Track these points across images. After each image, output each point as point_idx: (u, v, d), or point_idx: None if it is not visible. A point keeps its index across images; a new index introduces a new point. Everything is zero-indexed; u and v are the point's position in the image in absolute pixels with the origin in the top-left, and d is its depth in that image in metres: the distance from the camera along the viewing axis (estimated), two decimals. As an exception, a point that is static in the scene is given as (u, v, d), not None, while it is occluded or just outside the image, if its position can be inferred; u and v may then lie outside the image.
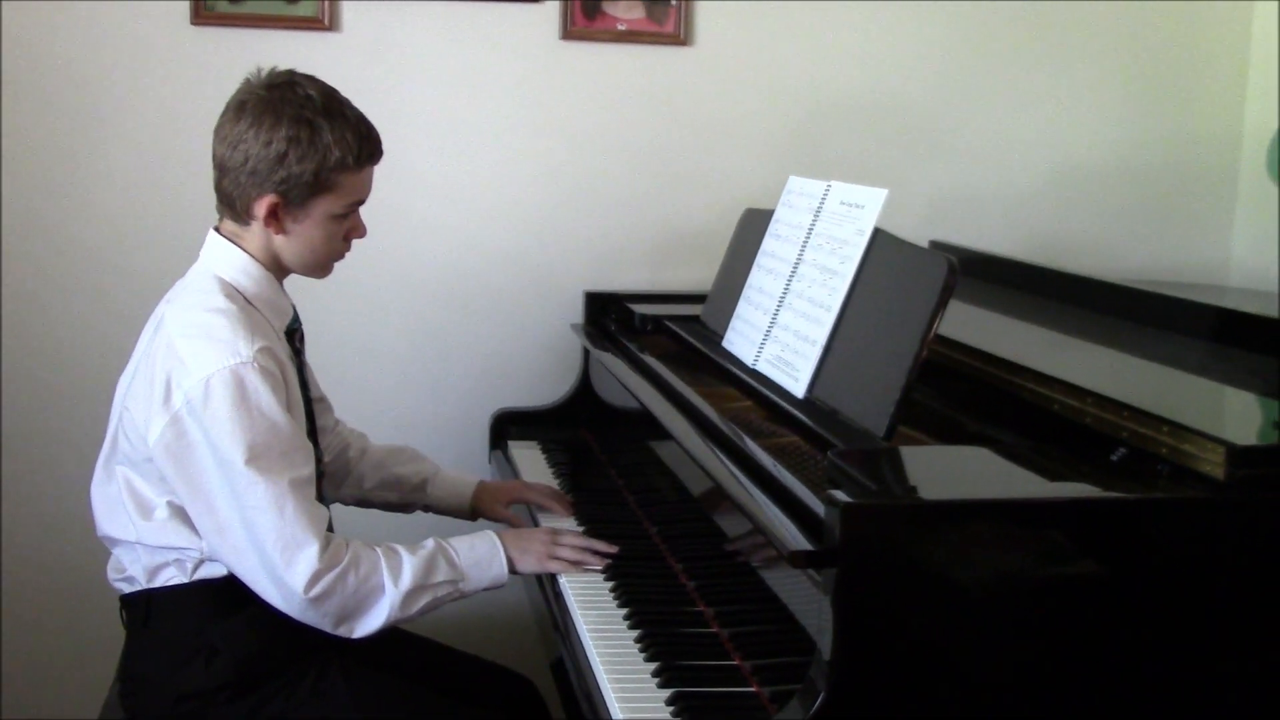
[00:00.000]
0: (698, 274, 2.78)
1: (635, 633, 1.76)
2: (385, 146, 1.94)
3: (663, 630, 1.76)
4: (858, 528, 1.32)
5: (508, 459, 2.64)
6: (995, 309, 2.46)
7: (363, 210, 1.95)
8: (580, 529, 2.15)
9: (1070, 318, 2.39)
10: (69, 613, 2.78)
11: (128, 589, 1.92)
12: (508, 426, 2.77)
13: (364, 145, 1.86)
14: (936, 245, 2.88)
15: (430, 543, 1.90)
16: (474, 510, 2.29)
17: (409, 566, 1.84)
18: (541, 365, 2.94)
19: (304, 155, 1.81)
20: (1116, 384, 1.72)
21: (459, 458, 2.86)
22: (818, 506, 1.44)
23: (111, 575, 1.95)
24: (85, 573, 2.18)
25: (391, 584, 1.82)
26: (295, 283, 1.99)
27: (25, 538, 2.78)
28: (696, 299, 2.56)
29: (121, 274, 2.72)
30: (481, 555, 1.93)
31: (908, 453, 1.60)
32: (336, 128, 1.82)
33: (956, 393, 1.94)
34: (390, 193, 2.76)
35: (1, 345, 2.71)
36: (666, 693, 1.58)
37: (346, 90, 1.92)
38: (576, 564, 1.98)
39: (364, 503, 2.29)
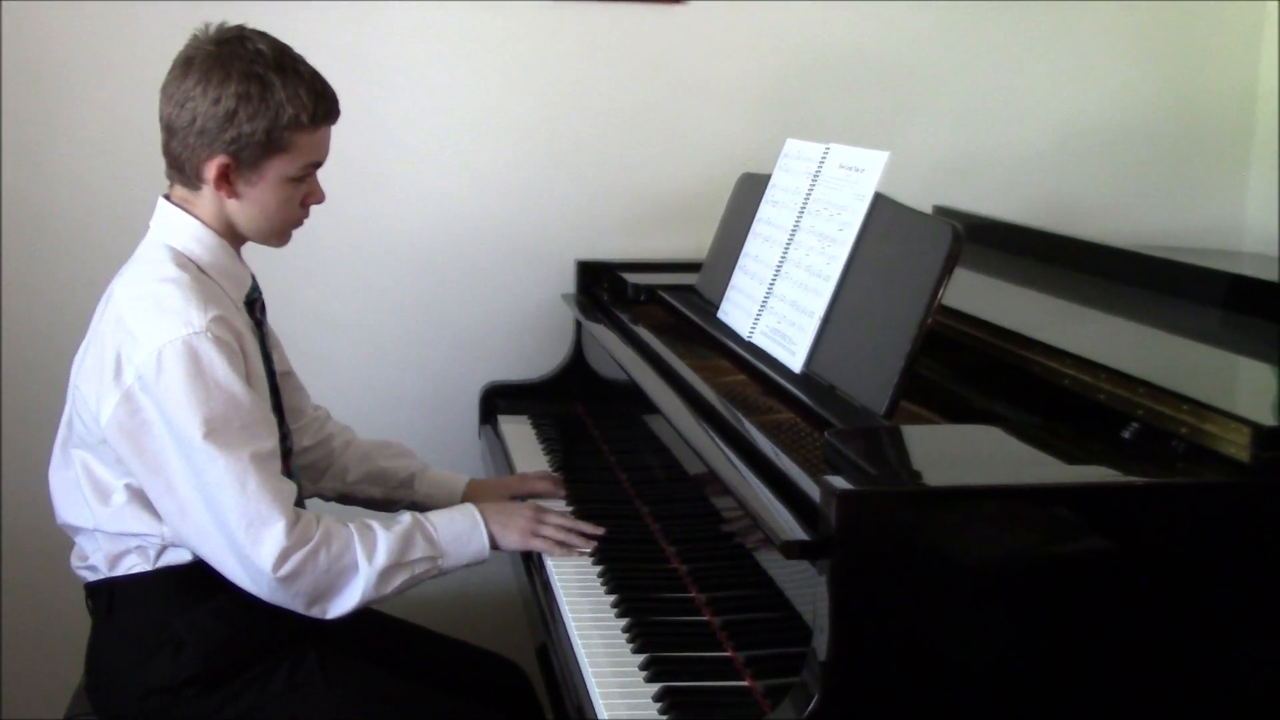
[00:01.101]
0: (694, 241, 2.69)
1: (623, 621, 1.67)
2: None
3: (652, 619, 1.67)
4: (855, 516, 1.23)
5: (497, 434, 2.55)
6: (1002, 277, 2.36)
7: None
8: (569, 509, 2.06)
9: (1080, 285, 2.28)
10: (38, 602, 2.70)
11: (91, 577, 1.83)
12: (497, 400, 2.68)
13: (319, 103, 1.76)
14: (940, 210, 2.78)
15: (406, 517, 1.82)
16: None
17: (384, 543, 1.75)
18: (533, 337, 2.84)
19: (255, 113, 1.70)
20: (1130, 357, 1.62)
21: (448, 434, 2.79)
22: (814, 492, 1.35)
23: (74, 563, 1.86)
24: (53, 560, 2.09)
25: (365, 561, 1.73)
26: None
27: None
28: (693, 267, 2.47)
29: (80, 245, 2.60)
30: (461, 530, 1.84)
31: (910, 432, 1.51)
32: (289, 84, 1.72)
33: (961, 366, 1.85)
34: (372, 157, 2.69)
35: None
36: (655, 688, 1.49)
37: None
38: (561, 544, 1.90)
39: (346, 498, 2.18)
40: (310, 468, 2.13)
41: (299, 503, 1.87)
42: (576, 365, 2.68)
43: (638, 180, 2.83)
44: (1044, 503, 1.30)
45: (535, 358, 2.81)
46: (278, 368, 2.02)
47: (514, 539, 1.88)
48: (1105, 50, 2.96)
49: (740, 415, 1.70)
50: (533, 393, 2.69)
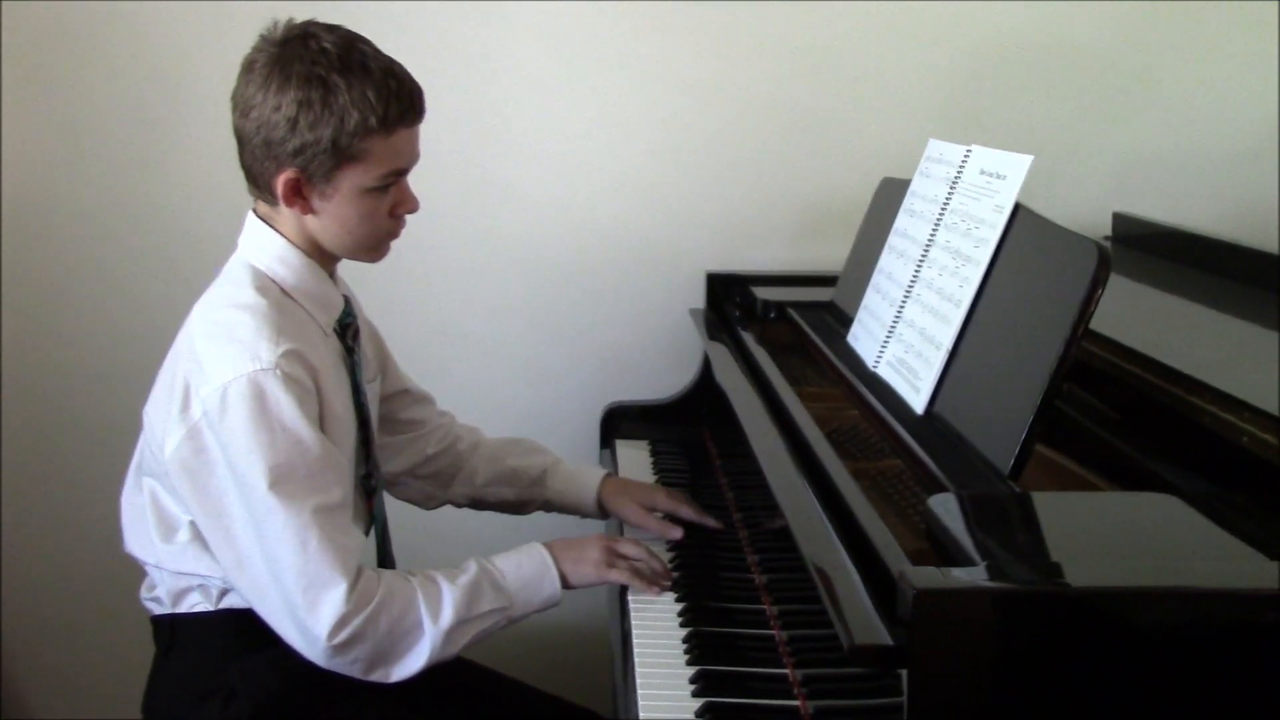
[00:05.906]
0: (842, 251, 2.42)
1: (698, 703, 1.44)
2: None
3: (730, 702, 1.43)
4: (940, 623, 0.96)
5: (614, 460, 2.34)
6: (1186, 296, 2.02)
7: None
8: (669, 550, 1.86)
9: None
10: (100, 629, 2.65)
11: (156, 610, 1.73)
12: (619, 423, 2.47)
13: (391, 104, 1.56)
14: (1119, 218, 2.44)
15: (472, 566, 1.66)
16: (602, 506, 2.01)
17: (449, 599, 1.59)
18: (662, 353, 2.64)
19: (317, 120, 1.53)
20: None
21: (569, 454, 2.57)
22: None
23: (143, 593, 1.76)
24: (120, 584, 1.98)
25: (430, 622, 1.58)
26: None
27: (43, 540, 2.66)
28: (834, 281, 2.21)
29: (195, 249, 2.49)
30: (529, 575, 1.68)
31: (1042, 503, 1.22)
32: (355, 85, 1.54)
33: (1117, 404, 1.55)
34: (492, 160, 2.52)
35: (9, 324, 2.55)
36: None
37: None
38: (637, 576, 1.73)
39: (478, 502, 2.06)
40: (439, 475, 2.03)
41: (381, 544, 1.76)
42: (705, 387, 2.45)
43: (782, 184, 2.58)
44: (1234, 615, 0.98)
45: (665, 376, 2.60)
46: (386, 390, 1.89)
47: (589, 572, 1.72)
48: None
49: (841, 465, 1.44)
50: (656, 416, 2.47)
